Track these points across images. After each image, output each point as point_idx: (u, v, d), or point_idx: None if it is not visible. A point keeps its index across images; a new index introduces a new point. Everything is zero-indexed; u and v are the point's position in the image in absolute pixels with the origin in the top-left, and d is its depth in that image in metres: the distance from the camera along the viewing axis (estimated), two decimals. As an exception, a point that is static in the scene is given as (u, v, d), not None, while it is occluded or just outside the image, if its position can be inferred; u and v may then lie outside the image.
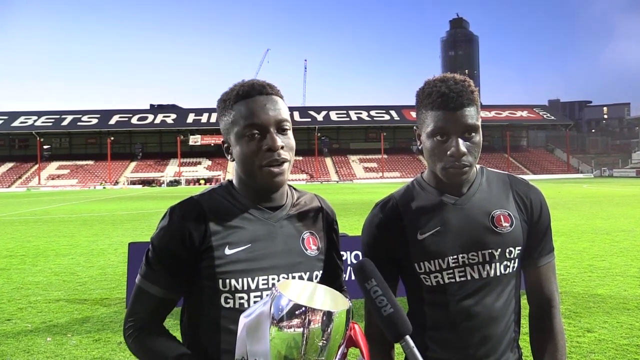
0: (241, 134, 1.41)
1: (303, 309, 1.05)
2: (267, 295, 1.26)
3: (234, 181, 1.53)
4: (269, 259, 1.43)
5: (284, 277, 1.44)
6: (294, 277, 1.45)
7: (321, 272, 1.54)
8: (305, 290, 1.14)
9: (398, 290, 1.64)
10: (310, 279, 1.49)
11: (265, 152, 1.39)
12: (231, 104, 1.44)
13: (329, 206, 1.68)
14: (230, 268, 1.39)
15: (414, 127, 1.64)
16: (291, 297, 1.07)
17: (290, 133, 1.46)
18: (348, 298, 1.21)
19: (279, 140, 1.40)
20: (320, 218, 1.61)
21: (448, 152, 1.48)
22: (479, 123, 1.50)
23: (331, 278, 1.62)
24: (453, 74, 1.54)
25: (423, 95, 1.53)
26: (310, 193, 1.66)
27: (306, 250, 1.51)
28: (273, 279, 1.42)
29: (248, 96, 1.42)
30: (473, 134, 1.49)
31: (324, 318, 1.07)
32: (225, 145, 1.50)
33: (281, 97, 1.48)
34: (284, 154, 1.41)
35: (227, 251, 1.40)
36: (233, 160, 1.48)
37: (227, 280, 1.38)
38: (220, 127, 1.51)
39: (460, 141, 1.47)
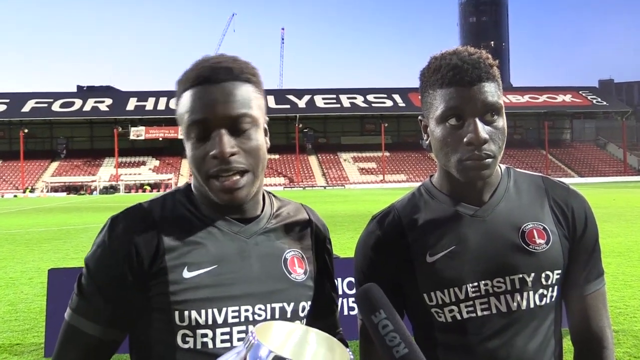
0: (186, 133, 1.42)
1: None
2: (238, 340, 1.24)
3: (194, 185, 1.53)
4: (241, 284, 1.43)
5: (260, 309, 1.43)
6: (273, 308, 1.45)
7: (309, 303, 1.54)
8: (291, 337, 1.12)
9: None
10: (295, 311, 1.48)
11: (211, 159, 1.39)
12: (184, 89, 1.44)
13: (320, 219, 1.69)
14: (189, 296, 1.37)
15: (419, 118, 1.65)
16: (273, 346, 1.03)
17: (253, 132, 1.43)
18: (348, 347, 1.18)
19: (228, 145, 1.37)
20: (309, 234, 1.61)
21: (465, 139, 1.47)
22: (502, 104, 1.50)
23: (322, 314, 1.62)
24: (466, 47, 1.55)
25: (429, 72, 1.54)
26: (295, 202, 1.66)
27: (290, 274, 1.50)
28: (246, 310, 1.42)
29: (197, 83, 1.41)
30: (495, 116, 1.49)
31: None
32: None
33: (252, 81, 1.46)
34: (238, 162, 1.39)
35: (186, 274, 1.39)
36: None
37: (186, 312, 1.37)
38: None
39: (480, 124, 1.47)
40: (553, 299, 1.56)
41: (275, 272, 1.48)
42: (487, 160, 1.48)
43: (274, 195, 1.63)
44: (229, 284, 1.42)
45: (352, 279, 6.10)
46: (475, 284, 1.53)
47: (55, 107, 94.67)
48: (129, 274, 1.38)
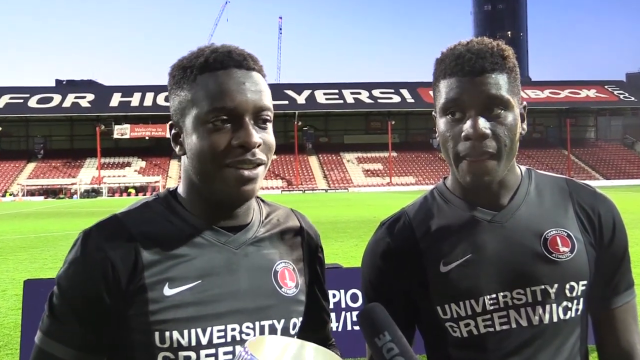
0: (204, 119, 1.39)
1: None
2: (227, 355, 1.25)
3: (180, 189, 1.53)
4: (228, 301, 1.43)
5: (249, 327, 1.44)
6: (262, 326, 1.46)
7: (300, 319, 1.54)
8: (287, 352, 1.12)
9: (414, 343, 1.64)
10: (286, 328, 1.49)
11: (236, 148, 1.39)
12: (194, 74, 1.42)
13: (311, 226, 1.69)
14: (171, 315, 1.37)
15: (432, 113, 1.64)
16: None
17: (270, 127, 1.47)
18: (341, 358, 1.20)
19: (256, 136, 1.40)
20: (300, 243, 1.61)
21: (463, 133, 1.48)
22: (513, 99, 1.50)
23: (313, 327, 1.62)
24: (483, 37, 1.56)
25: (437, 63, 1.57)
26: (284, 207, 1.67)
27: (280, 288, 1.51)
28: (233, 329, 1.42)
29: (221, 67, 1.41)
30: (500, 110, 1.48)
31: None
32: (175, 131, 1.49)
33: (264, 75, 1.49)
34: (260, 155, 1.41)
35: (168, 291, 1.39)
36: (183, 154, 1.48)
37: (167, 333, 1.37)
38: (170, 105, 1.50)
39: (481, 118, 1.47)
40: (578, 313, 1.55)
41: (265, 287, 1.49)
42: (488, 161, 1.48)
43: (262, 200, 1.63)
44: (214, 301, 1.41)
45: (356, 291, 6.20)
46: (494, 295, 1.53)
47: (32, 103, 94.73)
48: (105, 294, 1.37)
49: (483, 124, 1.46)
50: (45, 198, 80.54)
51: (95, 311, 1.38)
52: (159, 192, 1.56)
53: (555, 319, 1.53)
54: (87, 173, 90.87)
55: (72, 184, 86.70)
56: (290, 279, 1.54)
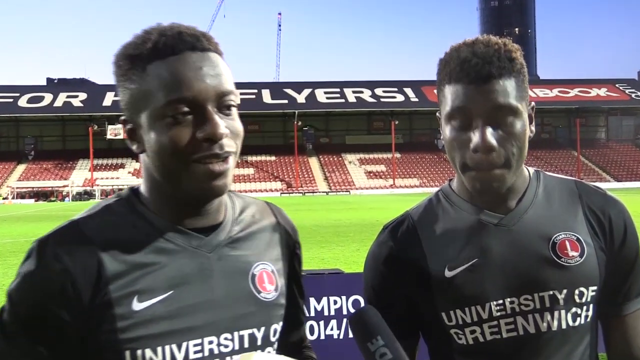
0: (161, 113, 1.30)
1: None
2: None
3: (143, 188, 1.44)
4: (203, 311, 1.36)
5: (227, 339, 1.39)
6: (242, 336, 1.40)
7: (281, 323, 1.51)
8: None
9: (419, 350, 1.66)
10: (266, 336, 1.45)
11: (202, 142, 1.30)
12: (143, 63, 1.32)
13: (289, 220, 1.65)
14: (142, 332, 1.30)
15: (437, 114, 1.63)
16: None
17: (235, 112, 1.38)
18: None
19: (222, 125, 1.31)
20: (278, 240, 1.57)
21: (471, 145, 1.47)
22: (521, 105, 1.48)
23: (290, 329, 1.59)
24: (489, 36, 1.54)
25: (441, 64, 1.55)
26: (258, 201, 1.62)
27: (259, 292, 1.45)
28: (211, 342, 1.36)
29: (172, 52, 1.31)
30: (509, 118, 1.46)
31: None
32: (129, 126, 1.39)
33: (221, 54, 1.39)
34: (229, 145, 1.34)
35: (137, 305, 1.30)
36: (141, 152, 1.39)
37: (139, 352, 1.29)
38: (120, 100, 1.40)
39: (489, 129, 1.45)
40: (588, 319, 1.55)
41: (242, 293, 1.43)
42: (496, 171, 1.47)
43: (233, 193, 1.56)
44: (188, 313, 1.35)
45: (358, 297, 6.18)
46: (500, 301, 1.53)
47: (22, 102, 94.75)
48: (63, 311, 1.28)
49: (491, 136, 1.44)
50: (36, 201, 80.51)
51: (52, 330, 1.28)
52: (120, 193, 1.46)
53: (564, 326, 1.52)
54: (80, 175, 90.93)
55: (64, 186, 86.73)
56: (269, 282, 1.48)
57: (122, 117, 1.40)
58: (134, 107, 1.36)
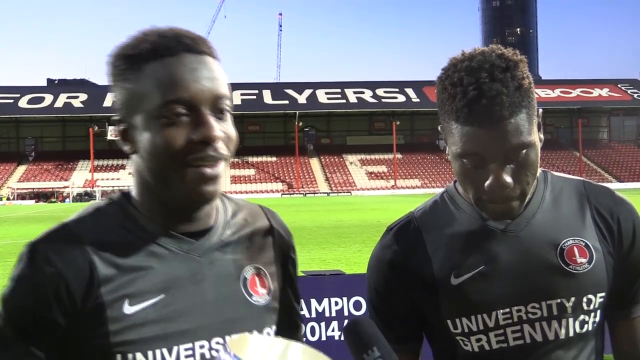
0: (156, 113, 1.30)
1: None
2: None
3: (135, 192, 1.43)
4: (194, 315, 1.36)
5: (218, 343, 1.38)
6: None
7: (274, 327, 1.50)
8: (272, 352, 1.10)
9: (422, 354, 1.65)
10: None
11: (197, 144, 1.30)
12: (139, 63, 1.33)
13: (282, 224, 1.63)
14: (133, 335, 1.30)
15: (439, 127, 1.58)
16: None
17: (229, 118, 1.38)
18: None
19: (218, 128, 1.31)
20: (271, 244, 1.55)
21: (485, 185, 1.43)
22: (533, 133, 1.43)
23: (286, 332, 1.56)
24: (492, 47, 1.46)
25: (445, 94, 1.46)
26: (251, 204, 1.61)
27: (251, 296, 1.45)
28: (202, 346, 1.36)
29: (170, 53, 1.32)
30: (522, 152, 1.42)
31: None
32: (123, 127, 1.38)
33: (217, 58, 1.40)
34: (222, 150, 1.33)
35: (128, 309, 1.31)
36: (134, 153, 1.38)
37: (130, 355, 1.29)
38: (114, 99, 1.41)
39: (504, 169, 1.41)
40: (595, 325, 1.54)
41: (233, 297, 1.43)
42: (511, 202, 1.46)
43: (226, 197, 1.56)
44: (179, 317, 1.35)
45: (359, 298, 6.18)
46: (507, 310, 1.51)
47: (22, 103, 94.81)
48: (57, 316, 1.28)
49: (506, 175, 1.42)
50: (36, 202, 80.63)
51: (47, 334, 1.28)
52: (111, 195, 1.46)
53: (571, 334, 1.51)
54: (80, 176, 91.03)
55: (65, 187, 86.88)
56: (261, 286, 1.48)
57: (116, 117, 1.40)
58: (128, 106, 1.36)
